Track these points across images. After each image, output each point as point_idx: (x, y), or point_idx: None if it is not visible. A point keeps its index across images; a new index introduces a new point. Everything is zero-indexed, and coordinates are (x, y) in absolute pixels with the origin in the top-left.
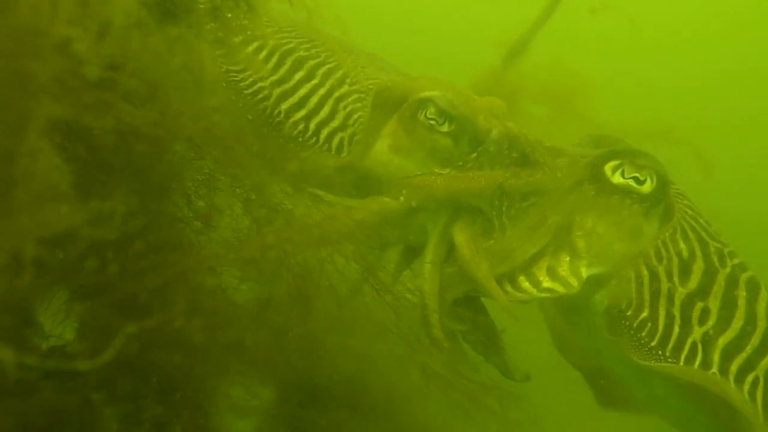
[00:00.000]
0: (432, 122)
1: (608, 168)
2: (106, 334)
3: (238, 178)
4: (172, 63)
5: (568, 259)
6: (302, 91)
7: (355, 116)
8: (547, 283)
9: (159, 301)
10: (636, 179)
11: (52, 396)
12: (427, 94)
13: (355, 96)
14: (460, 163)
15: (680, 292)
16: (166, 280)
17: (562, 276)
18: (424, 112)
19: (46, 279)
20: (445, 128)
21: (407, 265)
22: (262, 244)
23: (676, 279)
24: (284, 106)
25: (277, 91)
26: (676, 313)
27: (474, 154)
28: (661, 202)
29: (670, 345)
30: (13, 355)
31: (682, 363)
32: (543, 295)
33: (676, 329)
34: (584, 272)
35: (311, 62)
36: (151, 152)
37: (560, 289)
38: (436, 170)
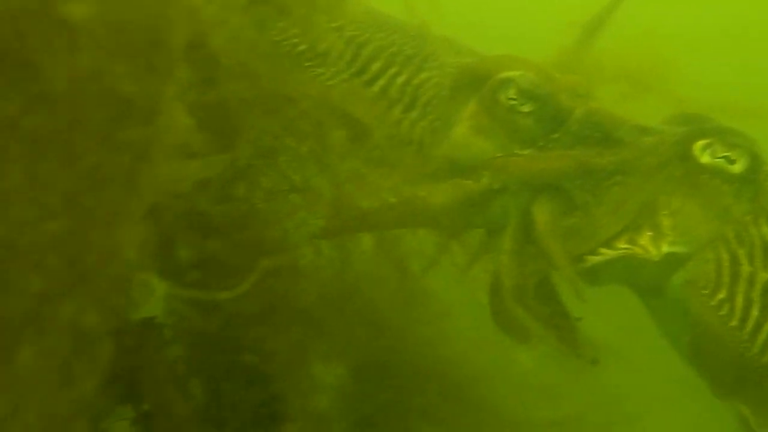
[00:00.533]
0: (513, 102)
1: (697, 147)
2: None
3: (323, 157)
4: (261, 44)
5: (650, 234)
6: (381, 81)
7: (435, 102)
8: (623, 245)
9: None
10: (727, 159)
11: (197, 322)
12: (507, 74)
13: (434, 81)
14: (542, 144)
15: (761, 277)
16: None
17: (641, 244)
18: (504, 93)
19: (179, 224)
20: (526, 108)
21: (488, 246)
22: (347, 216)
23: (758, 263)
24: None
25: (357, 83)
26: (756, 297)
27: (556, 134)
28: (752, 182)
29: (748, 328)
30: (164, 285)
31: (758, 347)
32: (619, 253)
33: (755, 313)
34: (665, 248)
35: (389, 51)
36: (248, 126)
37: (638, 251)
38: (517, 151)
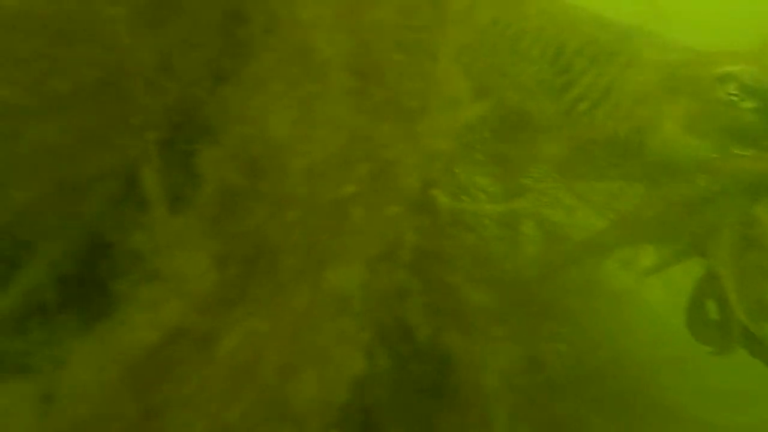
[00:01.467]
0: (734, 99)
1: None
2: None
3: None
4: None
5: None
6: (584, 81)
7: (642, 102)
8: None
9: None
10: None
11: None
12: (727, 68)
13: (640, 79)
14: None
15: None
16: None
17: None
18: (724, 89)
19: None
20: (748, 105)
21: (693, 251)
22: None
23: None
24: (567, 97)
25: (559, 82)
26: None
27: None
28: None
29: None
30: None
31: None
32: None
33: None
34: None
35: (591, 48)
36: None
37: None
38: (737, 151)
